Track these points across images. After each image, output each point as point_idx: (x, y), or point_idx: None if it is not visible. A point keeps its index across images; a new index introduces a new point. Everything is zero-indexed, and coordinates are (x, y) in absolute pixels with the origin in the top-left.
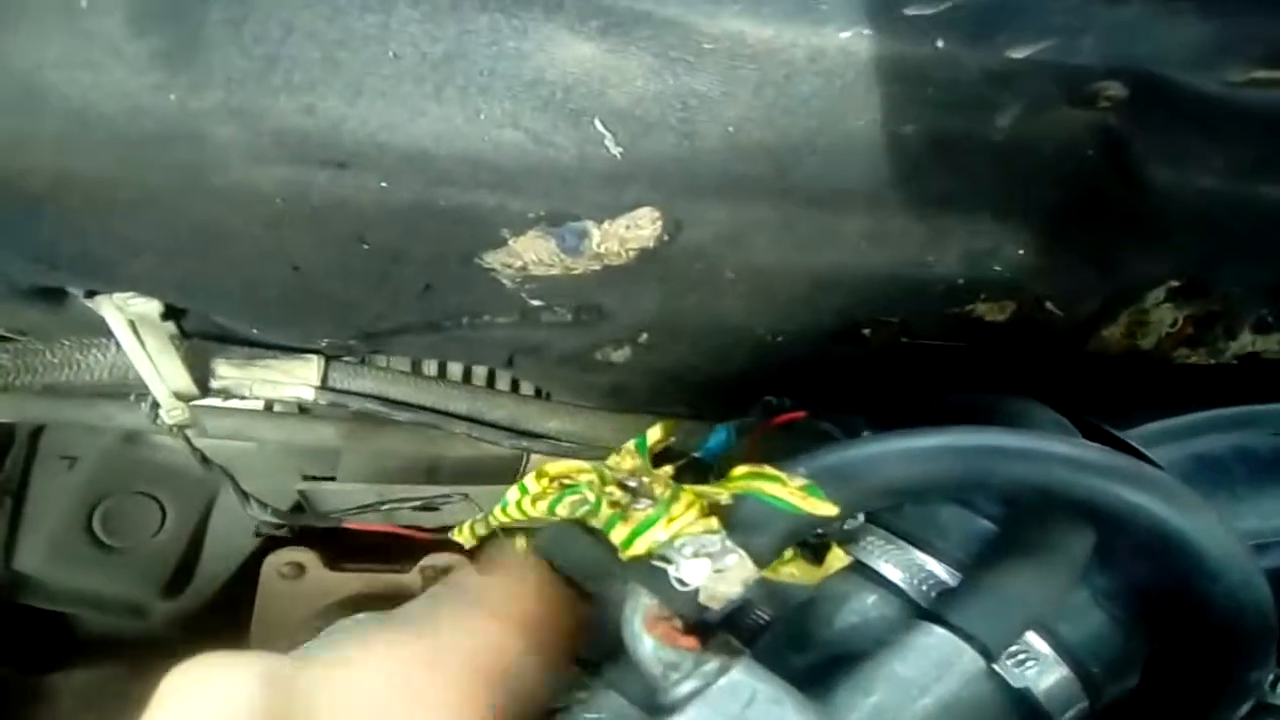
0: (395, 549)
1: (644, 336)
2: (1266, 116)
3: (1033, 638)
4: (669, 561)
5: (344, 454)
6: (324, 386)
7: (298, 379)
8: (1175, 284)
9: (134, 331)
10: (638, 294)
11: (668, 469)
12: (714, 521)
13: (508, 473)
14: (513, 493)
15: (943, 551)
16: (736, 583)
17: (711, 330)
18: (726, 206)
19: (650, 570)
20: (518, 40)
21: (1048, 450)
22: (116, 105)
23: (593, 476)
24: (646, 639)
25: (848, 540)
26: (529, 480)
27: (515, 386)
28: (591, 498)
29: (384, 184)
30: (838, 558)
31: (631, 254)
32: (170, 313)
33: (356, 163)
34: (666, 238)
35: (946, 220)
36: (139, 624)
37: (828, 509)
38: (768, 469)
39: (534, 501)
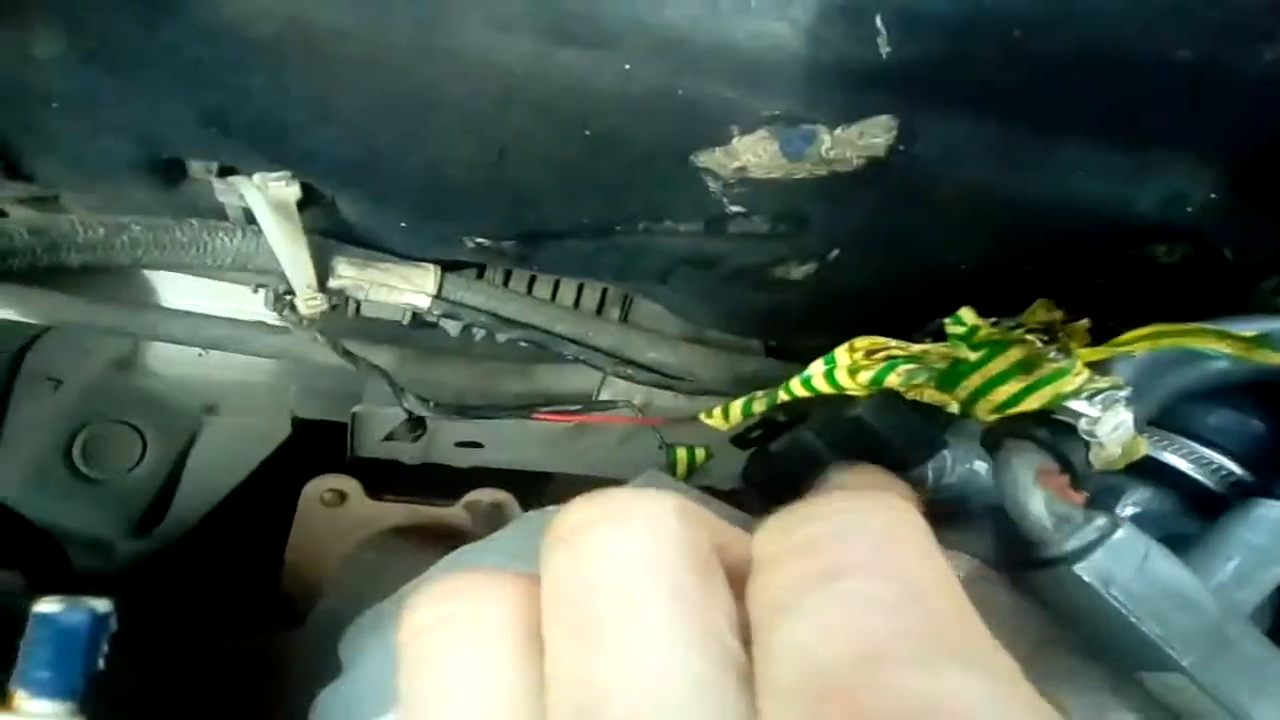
0: (435, 485)
1: (834, 253)
2: None
3: None
4: (1075, 416)
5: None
6: (439, 296)
7: (414, 286)
8: None
9: (275, 216)
10: (849, 206)
11: (1085, 321)
12: (1118, 378)
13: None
14: (817, 366)
15: (1224, 449)
16: (1119, 444)
17: (908, 250)
18: (964, 121)
19: (1048, 425)
20: None
21: None
22: None
23: (915, 350)
24: (1039, 493)
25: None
26: (839, 353)
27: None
28: (923, 368)
29: (627, 66)
30: (1141, 444)
31: (859, 162)
32: (309, 199)
33: (606, 40)
34: (901, 148)
35: (1154, 156)
36: (98, 563)
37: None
38: (1189, 325)
39: (851, 374)
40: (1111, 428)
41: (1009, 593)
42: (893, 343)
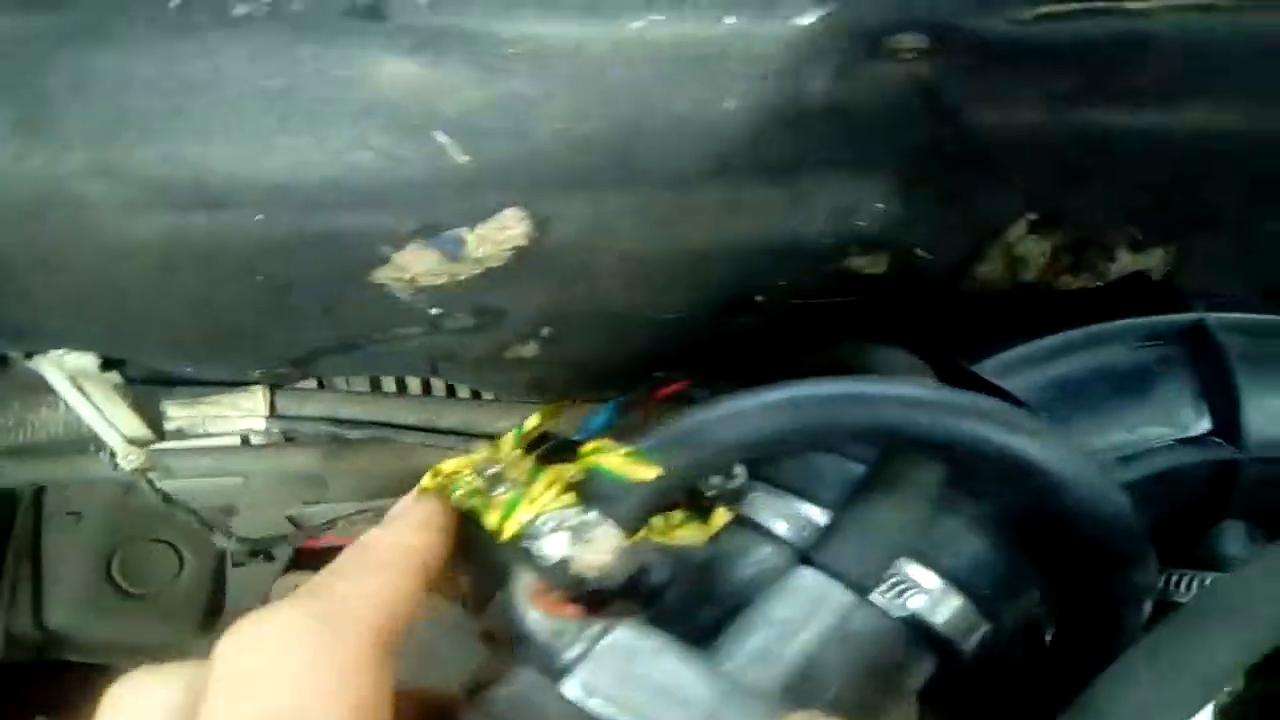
0: None
1: (545, 330)
2: (1064, 48)
3: (916, 570)
4: (535, 538)
5: (330, 476)
6: (273, 415)
7: (245, 410)
8: (1033, 217)
9: (76, 385)
10: (526, 291)
11: (519, 454)
12: (573, 496)
13: None
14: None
15: (819, 498)
16: (605, 551)
17: (604, 317)
18: (583, 199)
19: (524, 549)
20: (343, 68)
21: (878, 393)
22: None
23: (469, 472)
24: (531, 611)
25: (736, 498)
26: (426, 478)
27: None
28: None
29: (259, 217)
30: (721, 516)
31: (508, 254)
32: (110, 363)
33: (227, 201)
34: (537, 234)
35: (802, 184)
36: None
37: (649, 472)
38: (608, 443)
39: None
40: (576, 542)
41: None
42: (469, 460)
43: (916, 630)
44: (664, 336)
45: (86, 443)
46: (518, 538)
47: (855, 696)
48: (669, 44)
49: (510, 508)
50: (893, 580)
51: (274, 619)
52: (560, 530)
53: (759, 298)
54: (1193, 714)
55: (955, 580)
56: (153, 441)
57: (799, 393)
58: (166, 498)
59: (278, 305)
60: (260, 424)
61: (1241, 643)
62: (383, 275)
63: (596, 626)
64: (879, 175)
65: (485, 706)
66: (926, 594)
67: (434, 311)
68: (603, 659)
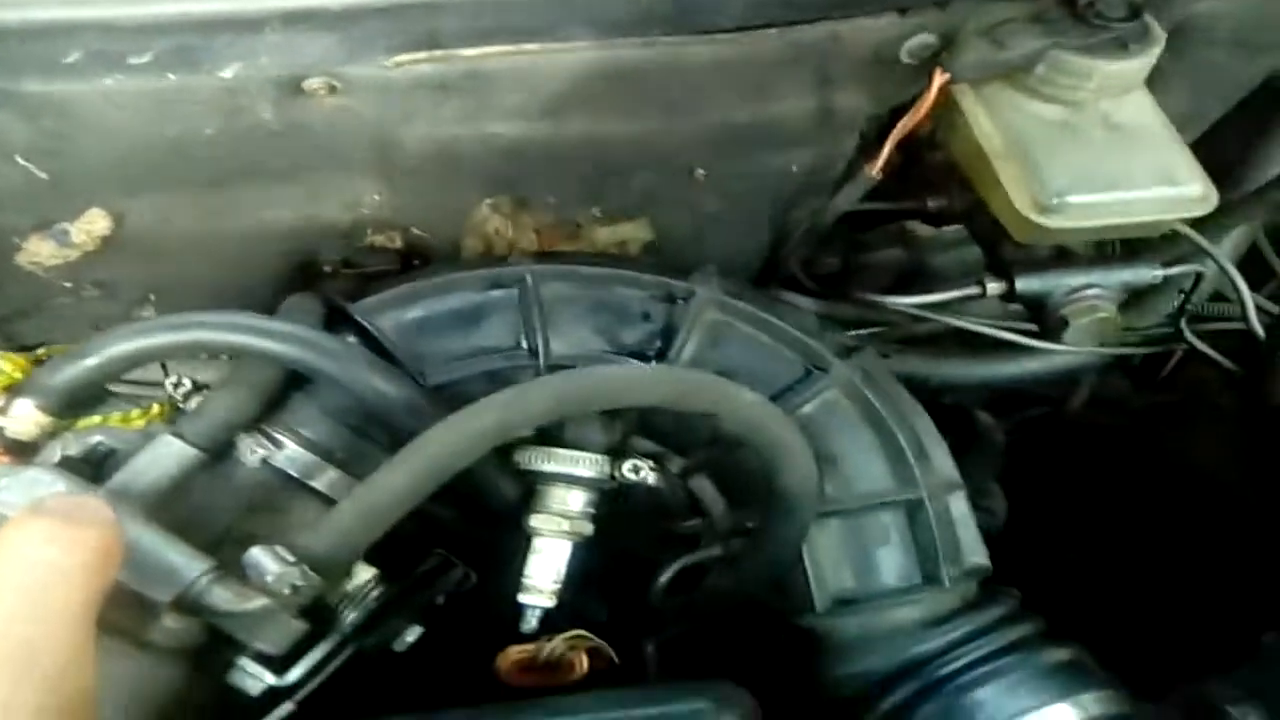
0: None
1: (152, 296)
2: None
3: (285, 437)
4: None
5: None
6: None
7: None
8: (491, 201)
9: None
10: (124, 267)
11: None
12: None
13: None
14: None
15: None
16: (29, 423)
17: (194, 285)
18: (146, 198)
19: None
20: None
21: (199, 319)
22: None
23: None
24: None
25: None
26: None
27: None
28: None
29: None
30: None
31: (99, 241)
32: None
33: None
34: (116, 226)
35: (312, 182)
36: None
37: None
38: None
39: None
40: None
41: None
42: None
43: (287, 479)
44: (257, 300)
45: None
46: None
47: (245, 528)
48: (166, 89)
49: None
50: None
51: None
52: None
53: (327, 267)
54: None
55: (302, 439)
56: None
57: (147, 325)
58: None
59: None
60: None
61: None
62: (23, 258)
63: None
64: (367, 174)
65: None
66: (278, 449)
67: (67, 284)
68: (15, 481)
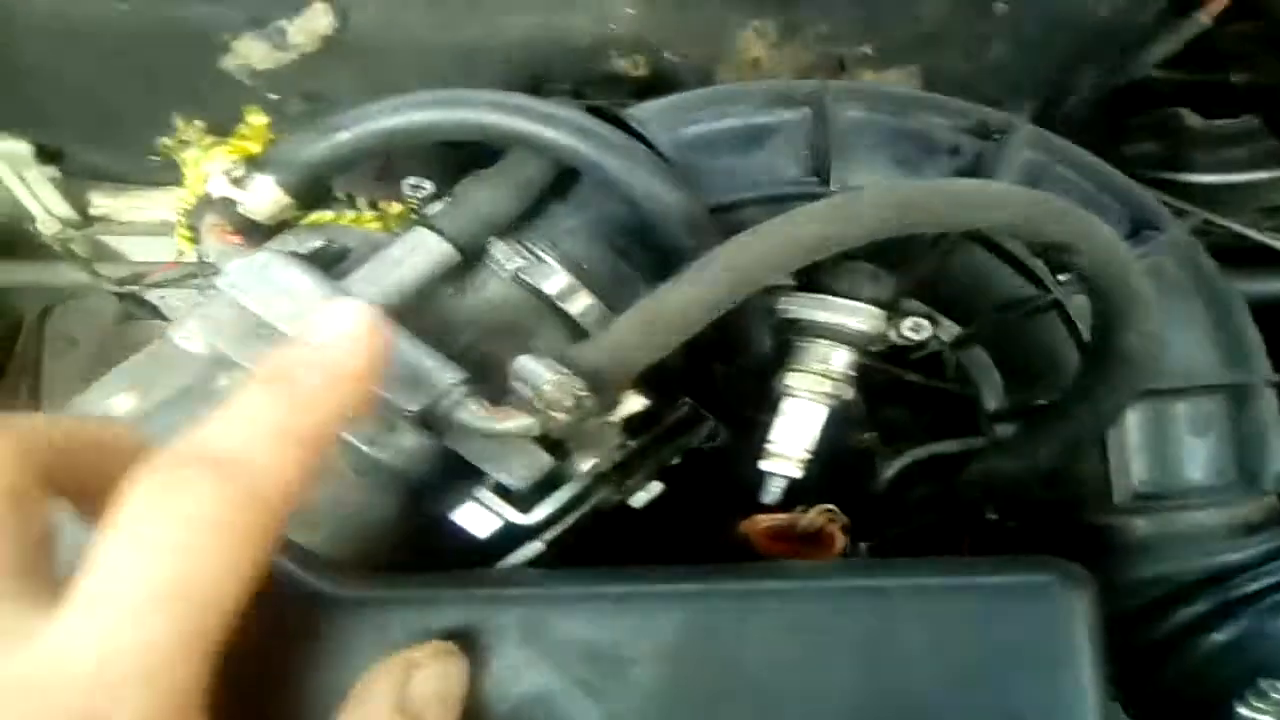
0: None
1: None
2: None
3: (542, 251)
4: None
5: None
6: None
7: (161, 204)
8: (758, 23)
9: (15, 172)
10: (341, 79)
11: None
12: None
13: None
14: None
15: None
16: (265, 200)
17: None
18: None
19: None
20: None
21: (474, 97)
22: None
23: None
24: (208, 239)
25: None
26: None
27: None
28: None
29: (124, 6)
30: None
31: (319, 41)
32: (45, 154)
33: None
34: (340, 24)
35: None
36: None
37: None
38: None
39: None
40: (238, 189)
41: None
42: None
43: (538, 298)
44: None
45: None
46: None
47: (483, 349)
48: None
49: (195, 164)
50: (522, 257)
51: (182, 493)
52: (225, 177)
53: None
54: None
55: (568, 259)
56: (80, 225)
57: (408, 98)
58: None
59: (150, 91)
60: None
61: None
62: (228, 62)
63: (253, 251)
64: None
65: None
66: (542, 265)
67: (273, 96)
68: (247, 266)
